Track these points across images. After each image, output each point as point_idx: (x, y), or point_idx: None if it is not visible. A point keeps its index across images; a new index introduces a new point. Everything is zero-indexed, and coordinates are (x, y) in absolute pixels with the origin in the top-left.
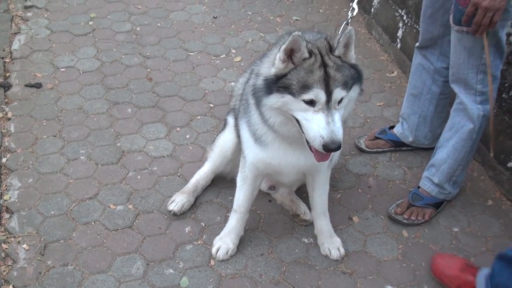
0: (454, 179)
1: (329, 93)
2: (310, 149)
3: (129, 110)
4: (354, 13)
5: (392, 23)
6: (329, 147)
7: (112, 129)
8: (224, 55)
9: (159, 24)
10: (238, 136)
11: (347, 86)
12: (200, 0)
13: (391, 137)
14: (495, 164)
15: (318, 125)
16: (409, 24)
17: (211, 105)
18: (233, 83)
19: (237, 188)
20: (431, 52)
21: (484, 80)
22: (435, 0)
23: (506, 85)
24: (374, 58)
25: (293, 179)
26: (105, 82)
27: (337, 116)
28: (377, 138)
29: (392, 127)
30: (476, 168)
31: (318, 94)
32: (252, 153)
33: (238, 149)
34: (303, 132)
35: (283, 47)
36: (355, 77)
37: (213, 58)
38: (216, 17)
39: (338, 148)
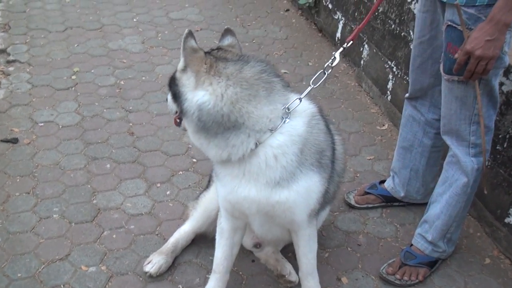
0: (448, 236)
1: None
2: None
3: (108, 165)
4: (335, 63)
5: (382, 75)
6: None
7: (89, 186)
8: None
9: (143, 78)
10: None
11: None
12: None
13: (382, 192)
14: (492, 219)
15: None
16: (399, 76)
17: (194, 160)
18: None
19: (216, 245)
20: (421, 103)
21: (477, 132)
22: (424, 50)
23: (500, 136)
24: (364, 111)
25: (268, 231)
26: (85, 137)
27: None
28: (367, 193)
29: (382, 182)
30: (472, 224)
31: None
32: (218, 194)
33: None
34: None
35: None
36: None
37: None
38: None
39: None
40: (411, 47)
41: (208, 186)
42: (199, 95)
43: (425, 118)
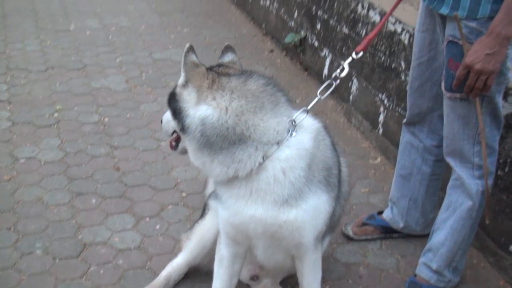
0: (454, 264)
1: None
2: None
3: (94, 200)
4: (343, 73)
5: (372, 108)
6: None
7: (73, 221)
8: None
9: (128, 115)
10: None
11: None
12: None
13: (381, 222)
14: (495, 248)
15: None
16: (390, 108)
17: (184, 194)
18: None
19: (214, 275)
20: (419, 129)
21: (481, 152)
22: (422, 72)
23: (501, 160)
24: (355, 145)
25: (271, 256)
26: (68, 173)
27: None
28: (365, 224)
29: (381, 213)
30: (474, 255)
31: None
32: (220, 217)
33: None
34: None
35: None
36: None
37: None
38: None
39: None
40: (410, 68)
41: (203, 215)
42: (202, 109)
43: (424, 145)
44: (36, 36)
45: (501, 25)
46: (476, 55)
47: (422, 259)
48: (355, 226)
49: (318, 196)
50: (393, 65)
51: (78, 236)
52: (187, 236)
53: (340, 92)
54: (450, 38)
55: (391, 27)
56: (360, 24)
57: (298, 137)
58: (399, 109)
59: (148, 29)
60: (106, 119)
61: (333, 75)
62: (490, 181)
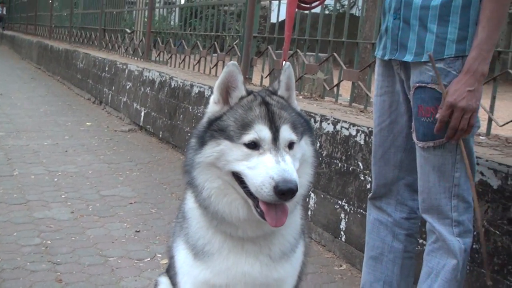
0: None
1: (274, 130)
2: (260, 215)
3: None
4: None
5: (332, 217)
6: (282, 188)
7: None
8: (149, 259)
9: (73, 238)
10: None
11: (296, 129)
12: (121, 218)
13: None
14: None
15: (265, 166)
16: (352, 211)
17: None
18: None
19: None
20: (386, 202)
21: (458, 207)
22: (385, 137)
23: (474, 233)
24: (318, 257)
25: None
26: (4, 286)
27: (289, 158)
28: None
29: None
30: None
31: (261, 131)
32: (190, 279)
33: None
34: (249, 196)
35: (217, 83)
36: (304, 125)
37: (135, 261)
38: (139, 231)
39: (293, 190)
40: (372, 136)
41: None
42: None
43: (393, 219)
44: None
45: (476, 63)
46: (458, 93)
47: None
48: None
49: (300, 246)
50: (351, 168)
51: None
52: None
53: None
54: (418, 84)
55: (345, 132)
56: None
57: None
58: (361, 211)
59: (95, 173)
60: (49, 242)
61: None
62: (469, 240)
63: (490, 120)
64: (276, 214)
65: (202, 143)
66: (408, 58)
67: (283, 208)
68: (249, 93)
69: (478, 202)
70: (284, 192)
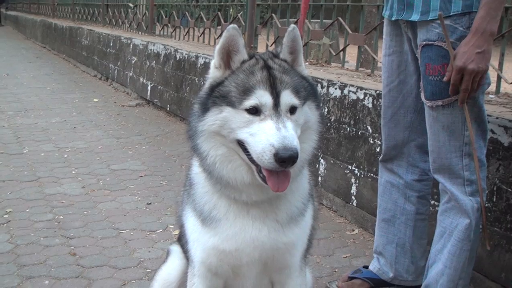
0: None
1: (275, 96)
2: (263, 179)
3: (46, 282)
4: None
5: (343, 182)
6: (282, 156)
7: None
8: (161, 230)
9: (85, 213)
10: (187, 257)
11: (298, 93)
12: (132, 192)
13: (369, 274)
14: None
15: (266, 133)
16: (362, 176)
17: (148, 270)
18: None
19: None
20: (398, 165)
21: (470, 166)
22: (394, 98)
23: (487, 191)
24: (329, 222)
25: (257, 284)
26: (18, 261)
27: (290, 124)
28: (351, 278)
29: (366, 267)
30: None
31: (262, 96)
32: (200, 245)
33: (187, 280)
34: (252, 162)
35: (218, 47)
36: (308, 89)
37: (148, 233)
38: (150, 203)
39: (293, 157)
40: (382, 96)
41: (166, 260)
42: None
43: (404, 181)
44: None
45: (485, 22)
46: (466, 55)
47: None
48: (341, 281)
49: (309, 210)
50: (359, 132)
51: None
52: (151, 285)
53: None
54: (424, 43)
55: (353, 96)
56: None
57: None
58: (372, 175)
59: (104, 148)
60: (61, 217)
61: None
62: (483, 199)
63: (499, 78)
64: (278, 179)
65: (204, 109)
66: (415, 17)
67: (285, 173)
68: (251, 56)
69: (479, 169)
70: (284, 159)
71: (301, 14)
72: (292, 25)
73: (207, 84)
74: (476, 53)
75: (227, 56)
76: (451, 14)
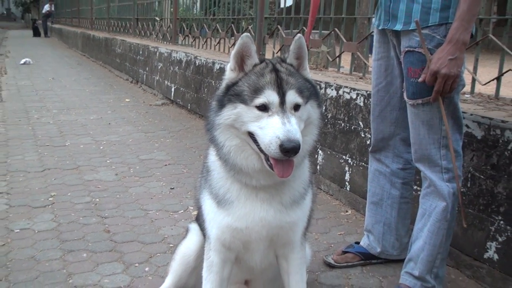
0: (435, 271)
1: (282, 95)
2: (270, 167)
3: (84, 255)
4: None
5: (338, 170)
6: (286, 147)
7: (64, 270)
8: (182, 211)
9: (118, 196)
10: (204, 234)
11: (302, 93)
12: (157, 178)
13: (360, 249)
14: (471, 261)
15: (273, 127)
16: (354, 165)
17: (171, 245)
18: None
19: (204, 281)
20: (385, 155)
21: (447, 156)
22: (382, 97)
23: (462, 178)
24: (326, 204)
25: (264, 257)
26: (61, 237)
27: (294, 120)
28: (345, 252)
29: (358, 242)
30: (452, 272)
31: (270, 95)
32: (216, 224)
33: (203, 253)
34: (261, 152)
35: (233, 52)
36: (310, 90)
37: (171, 213)
38: (173, 188)
39: (296, 148)
40: (371, 96)
41: (185, 236)
42: None
43: (390, 169)
44: (34, 150)
45: (458, 33)
46: (440, 61)
47: (404, 270)
48: (336, 255)
49: (309, 193)
50: (352, 127)
51: (69, 281)
52: (172, 258)
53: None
54: (407, 49)
55: (347, 96)
56: None
57: None
58: (363, 163)
59: (135, 141)
60: (97, 199)
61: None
62: (459, 184)
63: (474, 80)
64: (283, 166)
65: (221, 106)
66: (398, 27)
67: (289, 162)
68: (261, 60)
69: (455, 159)
70: (288, 150)
71: (308, 25)
72: (299, 35)
73: (223, 84)
74: (449, 60)
75: (241, 60)
76: (429, 24)
